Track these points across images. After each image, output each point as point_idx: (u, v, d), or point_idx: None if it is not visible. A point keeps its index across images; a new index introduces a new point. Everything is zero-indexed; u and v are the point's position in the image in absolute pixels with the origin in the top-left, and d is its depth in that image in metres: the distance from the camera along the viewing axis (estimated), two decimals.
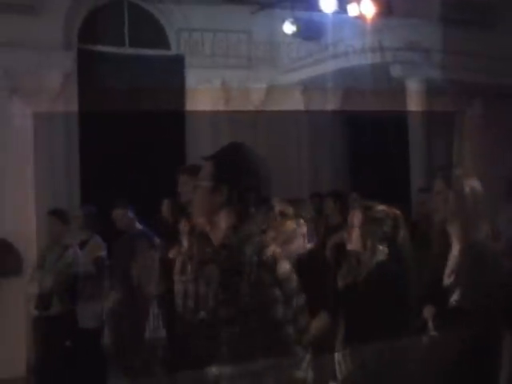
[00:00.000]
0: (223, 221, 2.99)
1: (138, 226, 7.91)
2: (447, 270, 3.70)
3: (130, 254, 7.67)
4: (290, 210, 5.80)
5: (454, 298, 3.52)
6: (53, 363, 7.15)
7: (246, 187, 2.98)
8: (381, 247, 4.28)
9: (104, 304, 7.65)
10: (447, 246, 3.80)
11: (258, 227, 3.05)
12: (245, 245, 2.91)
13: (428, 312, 3.64)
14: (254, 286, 2.82)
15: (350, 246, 4.44)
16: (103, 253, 7.74)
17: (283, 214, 5.67)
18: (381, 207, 4.41)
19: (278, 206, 5.69)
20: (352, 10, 9.49)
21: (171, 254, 6.35)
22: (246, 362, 2.80)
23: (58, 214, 7.50)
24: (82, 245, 7.68)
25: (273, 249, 2.95)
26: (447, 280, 3.67)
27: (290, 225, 5.47)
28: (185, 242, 5.83)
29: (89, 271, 7.45)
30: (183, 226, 6.25)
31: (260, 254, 2.88)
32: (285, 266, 2.94)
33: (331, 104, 11.54)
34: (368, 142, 11.45)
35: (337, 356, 4.23)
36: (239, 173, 3.00)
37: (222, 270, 2.95)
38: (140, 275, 7.54)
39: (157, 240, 7.77)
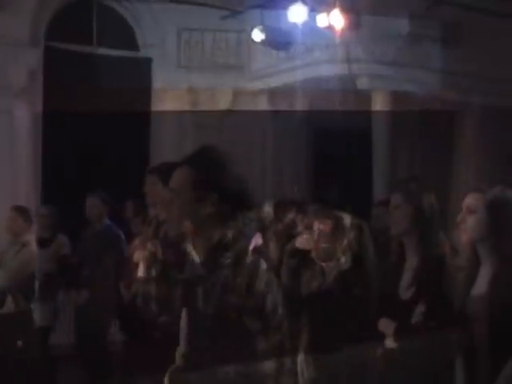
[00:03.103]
0: (210, 230, 2.83)
1: (107, 220, 7.82)
2: (403, 284, 3.73)
3: (99, 249, 7.57)
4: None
5: (417, 312, 3.55)
6: (4, 364, 7.06)
7: (234, 193, 2.82)
8: (344, 256, 4.31)
9: (63, 303, 7.59)
10: (402, 260, 3.83)
11: (242, 234, 2.92)
12: (234, 253, 2.78)
13: (384, 325, 3.65)
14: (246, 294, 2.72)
15: (313, 254, 4.46)
16: (67, 251, 7.68)
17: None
18: (346, 217, 4.44)
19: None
20: (321, 20, 9.52)
21: (135, 257, 6.31)
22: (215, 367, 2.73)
23: (19, 211, 7.42)
24: (46, 243, 7.62)
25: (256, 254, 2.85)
26: (404, 294, 3.69)
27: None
28: (150, 246, 5.79)
29: (49, 270, 7.37)
30: (147, 230, 6.21)
31: (245, 262, 2.78)
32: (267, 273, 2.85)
33: (297, 112, 11.58)
34: (333, 151, 11.49)
35: (299, 362, 4.24)
36: (225, 178, 2.84)
37: (211, 281, 2.80)
38: (106, 273, 7.45)
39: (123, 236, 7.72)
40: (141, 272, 5.99)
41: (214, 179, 2.80)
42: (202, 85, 11.19)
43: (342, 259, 4.34)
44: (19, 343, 7.00)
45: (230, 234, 2.82)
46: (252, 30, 10.22)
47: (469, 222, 3.26)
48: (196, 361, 2.80)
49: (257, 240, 5.59)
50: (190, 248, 2.90)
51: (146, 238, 6.12)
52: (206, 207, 2.79)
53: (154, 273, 5.67)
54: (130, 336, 7.94)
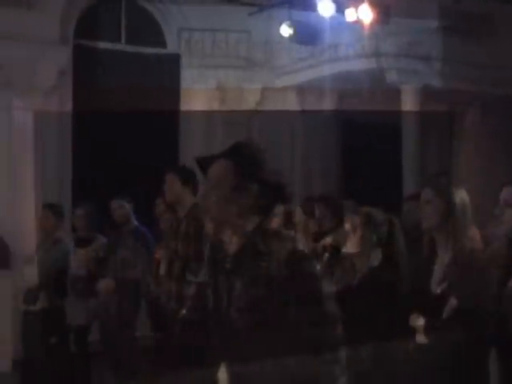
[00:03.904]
0: (249, 223, 2.80)
1: (134, 221, 7.83)
2: (435, 279, 3.71)
3: (127, 250, 7.62)
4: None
5: (448, 307, 3.52)
6: (37, 359, 7.13)
7: (272, 186, 2.80)
8: (375, 252, 4.30)
9: (96, 300, 7.60)
10: (434, 255, 3.81)
11: (281, 227, 2.88)
12: (272, 247, 2.73)
13: (415, 320, 3.64)
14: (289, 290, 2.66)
15: (344, 250, 4.45)
16: (103, 253, 7.69)
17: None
18: (377, 213, 4.42)
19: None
20: (350, 15, 9.48)
21: (157, 254, 6.36)
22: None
23: (51, 208, 7.49)
24: (84, 243, 7.62)
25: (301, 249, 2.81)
26: (436, 288, 3.67)
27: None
28: (172, 243, 5.84)
29: (82, 268, 7.41)
30: (169, 225, 6.26)
31: (290, 256, 2.72)
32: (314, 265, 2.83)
33: (326, 108, 11.54)
34: (362, 148, 11.46)
35: None
36: (262, 171, 2.81)
37: (248, 275, 2.74)
38: (135, 271, 7.50)
39: (151, 237, 7.75)
40: (162, 270, 6.05)
41: (253, 171, 2.79)
42: (231, 82, 11.20)
43: (373, 255, 4.33)
44: (52, 339, 7.08)
45: (267, 225, 2.83)
46: (280, 25, 10.20)
47: (506, 214, 3.23)
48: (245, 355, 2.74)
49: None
50: (227, 240, 2.85)
51: (167, 236, 6.20)
52: (246, 198, 2.77)
53: (174, 270, 5.72)
54: (156, 332, 8.02)
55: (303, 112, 11.48)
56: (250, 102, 11.35)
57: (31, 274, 7.30)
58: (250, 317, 2.70)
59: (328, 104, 11.43)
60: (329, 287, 2.74)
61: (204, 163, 2.90)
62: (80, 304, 7.37)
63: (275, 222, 6.14)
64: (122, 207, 7.75)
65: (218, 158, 2.86)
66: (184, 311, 5.33)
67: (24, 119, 9.55)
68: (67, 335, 7.35)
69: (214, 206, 2.82)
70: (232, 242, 2.83)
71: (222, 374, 2.81)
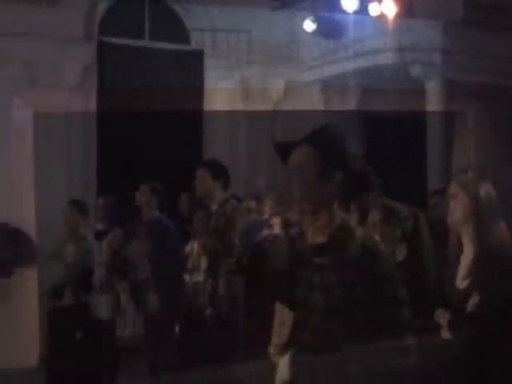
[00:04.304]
0: (332, 211, 2.65)
1: (157, 212, 7.75)
2: (460, 274, 3.69)
3: (149, 241, 7.57)
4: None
5: (471, 302, 3.50)
6: (64, 354, 7.18)
7: (356, 173, 2.70)
8: (400, 247, 4.28)
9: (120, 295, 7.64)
10: (460, 249, 3.79)
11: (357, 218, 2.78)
12: (351, 240, 2.60)
13: (440, 315, 3.62)
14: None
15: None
16: (122, 244, 7.70)
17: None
18: (401, 207, 4.40)
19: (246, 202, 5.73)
20: (373, 9, 9.46)
21: (186, 250, 6.36)
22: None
23: (76, 204, 7.54)
24: (100, 235, 7.67)
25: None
26: (461, 284, 3.65)
27: None
28: (202, 238, 5.85)
29: (105, 263, 7.44)
30: (200, 220, 6.26)
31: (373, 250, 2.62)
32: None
33: (350, 103, 11.51)
34: (386, 141, 11.41)
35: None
36: (347, 156, 2.68)
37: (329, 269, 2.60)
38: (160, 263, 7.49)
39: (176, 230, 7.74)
40: (190, 265, 6.06)
41: (336, 158, 2.66)
42: (254, 77, 11.20)
43: (398, 250, 4.31)
44: (78, 335, 7.14)
45: (352, 215, 2.77)
46: (303, 20, 10.18)
47: None
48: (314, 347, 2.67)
49: None
50: (307, 230, 2.73)
51: (197, 231, 6.20)
52: (330, 187, 2.63)
53: (203, 265, 5.71)
54: (186, 328, 8.02)
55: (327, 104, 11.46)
56: (273, 98, 11.35)
57: (57, 271, 7.37)
58: (332, 303, 2.59)
59: (351, 98, 11.40)
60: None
61: (283, 149, 2.76)
62: (104, 298, 7.40)
63: None
64: (144, 192, 7.65)
65: (298, 144, 2.72)
66: (211, 309, 5.33)
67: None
68: (93, 330, 7.40)
69: (298, 195, 2.68)
70: (315, 232, 2.70)
71: (284, 366, 2.78)
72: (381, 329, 2.53)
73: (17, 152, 9.38)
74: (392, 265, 2.78)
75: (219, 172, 5.81)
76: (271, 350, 3.95)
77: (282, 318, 3.61)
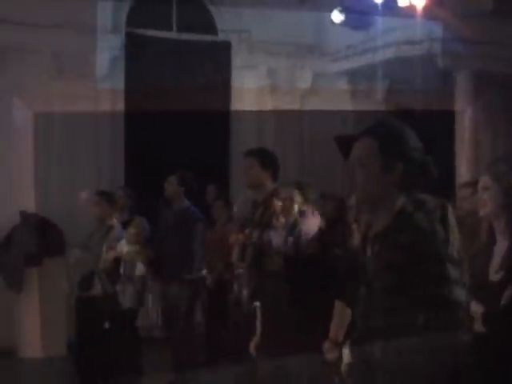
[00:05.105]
0: (393, 200, 2.79)
1: (186, 201, 7.75)
2: (493, 267, 3.65)
3: (177, 230, 7.58)
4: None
5: (506, 295, 3.47)
6: (92, 344, 7.23)
7: (417, 163, 2.78)
8: None
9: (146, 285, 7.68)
10: (492, 242, 3.75)
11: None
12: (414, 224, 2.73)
13: (473, 308, 3.59)
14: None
15: None
16: (146, 233, 7.72)
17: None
18: (429, 198, 4.35)
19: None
20: (402, 0, 9.40)
21: (230, 240, 6.26)
22: None
23: (103, 195, 7.59)
24: (125, 225, 7.69)
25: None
26: (494, 277, 3.62)
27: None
28: (246, 229, 5.71)
29: (129, 252, 7.48)
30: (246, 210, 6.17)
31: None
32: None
33: (377, 94, 11.44)
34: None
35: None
36: (407, 147, 2.79)
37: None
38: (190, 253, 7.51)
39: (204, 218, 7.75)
40: (235, 256, 5.97)
41: (397, 149, 2.76)
42: (281, 68, 11.17)
43: None
44: (106, 325, 7.18)
45: (410, 205, 2.81)
46: (332, 11, 10.14)
47: None
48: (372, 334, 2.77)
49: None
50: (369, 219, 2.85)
51: (243, 222, 6.07)
52: (392, 177, 2.75)
53: (248, 258, 5.63)
54: (211, 318, 8.03)
55: (354, 96, 11.38)
56: (301, 90, 11.31)
57: (85, 261, 7.42)
58: (391, 287, 2.72)
59: (379, 90, 11.33)
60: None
61: (344, 143, 2.85)
62: (128, 287, 7.43)
63: None
64: (171, 182, 7.69)
65: (359, 137, 2.81)
66: (257, 303, 5.24)
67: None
68: (120, 320, 7.44)
69: (361, 186, 2.79)
70: (378, 222, 2.81)
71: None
72: (433, 305, 2.68)
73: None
74: (445, 245, 2.91)
75: (268, 161, 5.63)
76: (326, 345, 3.92)
77: (340, 315, 3.61)
